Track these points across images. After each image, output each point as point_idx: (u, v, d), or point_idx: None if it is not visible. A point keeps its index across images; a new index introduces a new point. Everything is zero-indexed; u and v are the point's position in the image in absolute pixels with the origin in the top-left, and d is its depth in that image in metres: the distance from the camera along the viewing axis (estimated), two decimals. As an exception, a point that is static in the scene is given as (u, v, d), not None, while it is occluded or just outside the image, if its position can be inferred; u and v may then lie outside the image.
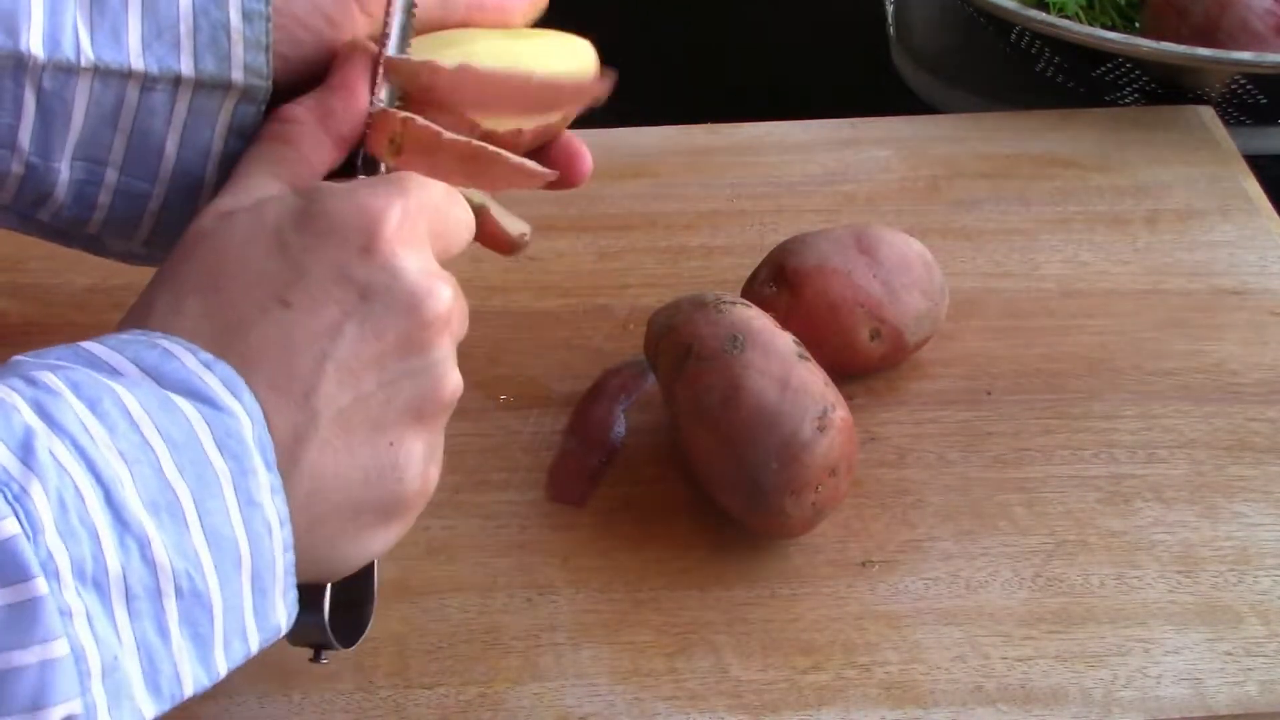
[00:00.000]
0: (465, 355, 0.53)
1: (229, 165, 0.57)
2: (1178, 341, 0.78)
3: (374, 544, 0.52)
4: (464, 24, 0.61)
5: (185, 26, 0.55)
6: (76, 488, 0.42)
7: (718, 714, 0.61)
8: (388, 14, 0.57)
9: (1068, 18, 0.96)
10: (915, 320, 0.73)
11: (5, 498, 0.41)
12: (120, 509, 0.43)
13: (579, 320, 0.79)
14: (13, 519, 0.41)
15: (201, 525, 0.45)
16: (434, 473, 0.53)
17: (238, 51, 0.55)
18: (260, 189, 0.53)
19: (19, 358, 0.47)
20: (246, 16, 0.55)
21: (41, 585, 0.41)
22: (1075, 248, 0.84)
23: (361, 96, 0.56)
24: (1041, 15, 0.94)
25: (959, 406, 0.74)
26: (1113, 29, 0.98)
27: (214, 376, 0.47)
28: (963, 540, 0.67)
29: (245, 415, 0.47)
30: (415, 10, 0.58)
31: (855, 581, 0.66)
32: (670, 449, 0.70)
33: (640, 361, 0.73)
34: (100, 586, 0.42)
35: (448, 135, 0.56)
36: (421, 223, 0.52)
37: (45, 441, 0.42)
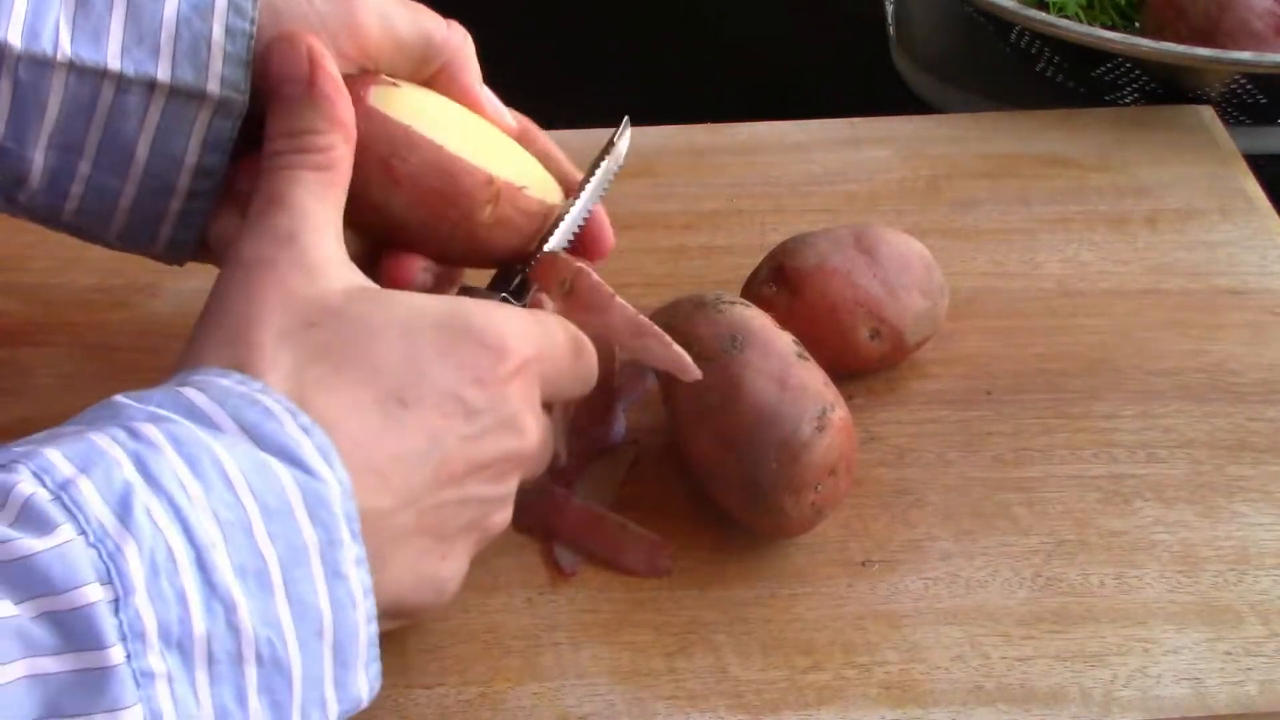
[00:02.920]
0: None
1: (202, 176, 0.58)
2: (1178, 341, 0.78)
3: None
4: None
5: (167, 34, 0.56)
6: (170, 549, 0.43)
7: (717, 714, 0.61)
8: (594, 167, 0.62)
9: (1068, 18, 0.96)
10: (915, 320, 0.73)
11: (99, 555, 0.41)
12: (210, 572, 0.43)
13: (579, 320, 0.79)
14: (97, 586, 0.41)
15: (287, 593, 0.45)
16: (458, 592, 0.55)
17: (216, 64, 0.56)
18: (313, 215, 0.53)
19: (120, 399, 0.47)
20: (229, 32, 0.56)
21: (116, 654, 0.41)
22: (1075, 248, 0.84)
23: (345, 102, 0.56)
24: (1041, 15, 0.94)
25: (959, 406, 0.74)
26: (1113, 29, 0.98)
27: (310, 442, 0.47)
28: (963, 540, 0.67)
29: (336, 484, 0.47)
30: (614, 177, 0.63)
31: (855, 581, 0.66)
32: (670, 449, 0.70)
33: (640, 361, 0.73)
34: (184, 650, 0.43)
35: (619, 300, 0.59)
36: (542, 363, 0.54)
37: (143, 499, 0.43)
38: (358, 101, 0.56)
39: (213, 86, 0.56)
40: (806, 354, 0.66)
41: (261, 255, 0.52)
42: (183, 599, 0.43)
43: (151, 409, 0.46)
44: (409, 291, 0.54)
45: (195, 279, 0.79)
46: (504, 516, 0.55)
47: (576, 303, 0.58)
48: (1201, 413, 0.74)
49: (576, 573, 0.66)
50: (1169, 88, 0.95)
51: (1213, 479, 0.70)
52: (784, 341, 0.66)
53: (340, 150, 0.55)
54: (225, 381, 0.48)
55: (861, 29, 1.11)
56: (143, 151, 0.57)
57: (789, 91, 1.06)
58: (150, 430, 0.45)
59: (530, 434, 0.54)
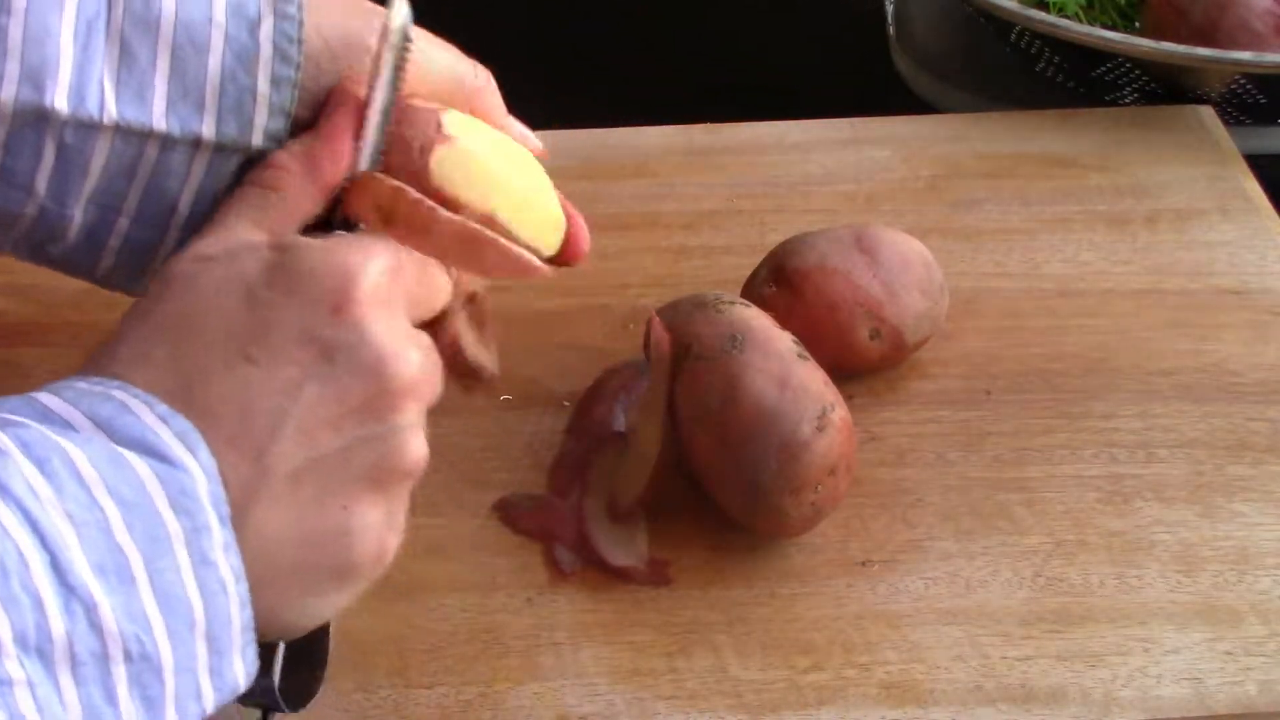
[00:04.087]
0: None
1: None
2: (1178, 341, 0.78)
3: (322, 607, 0.51)
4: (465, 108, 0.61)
5: (211, 89, 0.55)
6: (20, 553, 0.42)
7: (718, 714, 0.61)
8: (376, 62, 0.56)
9: (1068, 18, 0.96)
10: (915, 320, 0.73)
11: None
12: (66, 574, 0.43)
13: (579, 320, 0.79)
14: None
15: (152, 587, 0.44)
16: (392, 541, 0.52)
17: (261, 117, 0.55)
18: (240, 235, 0.52)
19: None
20: (274, 82, 0.55)
21: None
22: (1075, 247, 0.84)
23: (346, 145, 0.55)
24: (1041, 15, 0.94)
25: (959, 406, 0.74)
26: (1113, 29, 0.97)
27: (170, 431, 0.46)
28: (963, 540, 0.67)
29: (200, 471, 0.46)
30: (408, 57, 0.57)
31: (855, 581, 0.66)
32: (670, 449, 0.70)
33: (640, 361, 0.73)
34: (44, 654, 0.42)
35: (443, 215, 0.54)
36: (397, 285, 0.51)
37: None
38: (419, 154, 0.56)
39: (257, 140, 0.55)
40: (806, 354, 0.66)
41: (168, 270, 0.51)
42: (38, 603, 0.42)
43: (3, 415, 0.46)
44: (241, 245, 0.52)
45: (195, 279, 0.80)
46: (415, 450, 0.51)
47: (399, 230, 0.54)
48: (1201, 413, 0.73)
49: (576, 573, 0.66)
50: (1169, 88, 0.95)
51: (1213, 479, 0.70)
52: (784, 341, 0.66)
53: (292, 177, 0.54)
54: (81, 383, 0.48)
55: (861, 29, 1.11)
56: (185, 205, 0.56)
57: (789, 91, 1.06)
58: None
59: (405, 356, 0.50)
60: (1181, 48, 0.90)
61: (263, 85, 0.55)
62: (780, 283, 0.73)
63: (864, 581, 0.66)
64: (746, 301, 0.69)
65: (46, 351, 0.77)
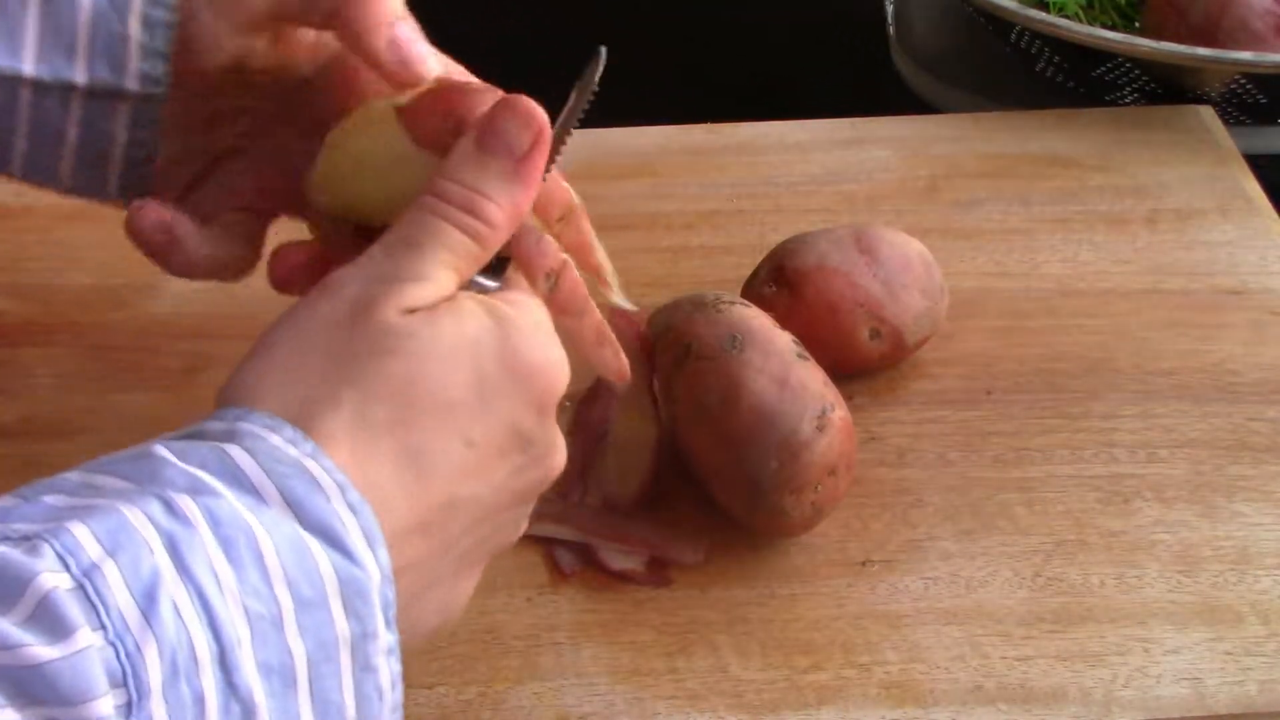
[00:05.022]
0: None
1: (137, 146, 0.57)
2: (1178, 341, 0.78)
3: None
4: None
5: (84, 34, 0.54)
6: (193, 646, 0.41)
7: (718, 714, 0.61)
8: (572, 111, 0.56)
9: (1068, 18, 0.96)
10: (915, 320, 0.73)
11: (117, 655, 0.39)
12: (232, 671, 0.41)
13: (579, 320, 0.78)
14: (108, 698, 0.39)
15: (311, 691, 0.43)
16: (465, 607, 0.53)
17: (134, 62, 0.55)
18: (443, 283, 0.50)
19: (160, 452, 0.44)
20: (147, 25, 0.54)
21: None
22: (1075, 248, 0.84)
23: (535, 193, 0.53)
24: (1041, 15, 0.94)
25: (959, 406, 0.74)
26: (1113, 29, 0.98)
27: (356, 523, 0.45)
28: (963, 540, 0.67)
29: (376, 570, 0.45)
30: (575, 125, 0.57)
31: (855, 581, 0.66)
32: (670, 449, 0.70)
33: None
34: None
35: (593, 305, 0.56)
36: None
37: (170, 590, 0.41)
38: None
39: (131, 84, 0.55)
40: (806, 354, 0.66)
41: (360, 294, 0.49)
42: (200, 701, 0.41)
43: (193, 470, 0.44)
44: (453, 304, 0.50)
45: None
46: (524, 527, 0.53)
47: (557, 302, 0.54)
48: (1201, 413, 0.74)
49: (576, 573, 0.66)
50: (1169, 88, 0.95)
51: (1213, 479, 0.70)
52: (784, 341, 0.66)
53: (499, 235, 0.52)
54: (276, 440, 0.45)
55: (861, 29, 1.11)
56: (72, 134, 0.56)
57: (789, 91, 1.06)
58: (187, 505, 0.42)
59: (563, 451, 0.52)
60: (1181, 48, 0.90)
61: (134, 28, 0.54)
62: (780, 283, 0.73)
63: (864, 581, 0.66)
64: (746, 301, 0.69)
65: (49, 352, 0.77)
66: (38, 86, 0.55)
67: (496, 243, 0.52)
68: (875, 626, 0.64)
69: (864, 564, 0.67)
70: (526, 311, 0.51)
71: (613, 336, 0.57)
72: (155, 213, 0.57)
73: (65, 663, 0.39)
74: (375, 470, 0.46)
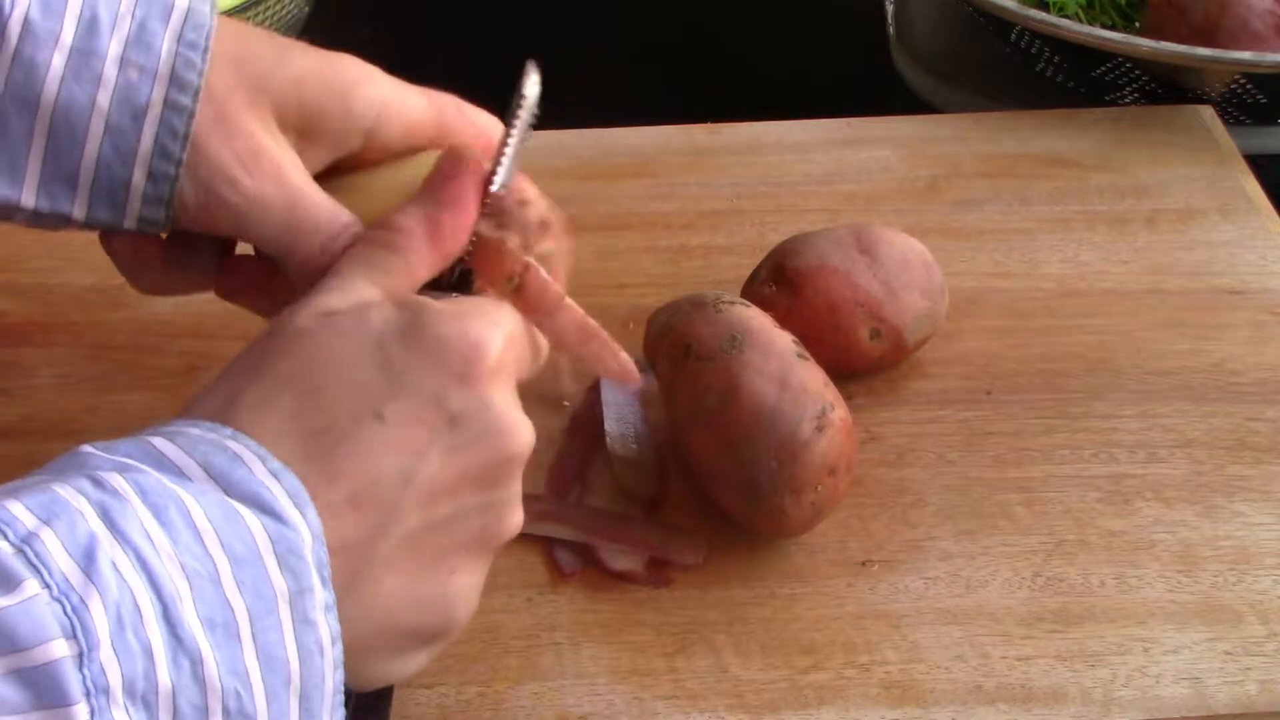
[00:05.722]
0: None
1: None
2: (1178, 341, 0.78)
3: (408, 666, 0.52)
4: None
5: (85, 175, 0.55)
6: (135, 601, 0.42)
7: (717, 714, 0.61)
8: (507, 132, 0.57)
9: (1068, 18, 0.96)
10: (915, 320, 0.73)
11: (64, 609, 0.41)
12: (177, 625, 0.43)
13: (579, 320, 0.78)
14: (62, 641, 0.40)
15: (255, 644, 0.44)
16: (476, 603, 0.53)
17: (134, 206, 0.56)
18: (360, 293, 0.52)
19: (86, 449, 0.46)
20: (152, 177, 0.55)
21: (81, 711, 0.40)
22: (1075, 248, 0.84)
23: (471, 214, 0.55)
24: (1041, 15, 0.94)
25: (959, 406, 0.74)
26: (1113, 29, 0.98)
27: (280, 487, 0.46)
28: (963, 540, 0.67)
29: (307, 530, 0.46)
30: (528, 142, 0.58)
31: (855, 581, 0.66)
32: (670, 449, 0.70)
33: (640, 361, 0.73)
34: (149, 704, 0.42)
35: (569, 301, 0.56)
36: (512, 355, 0.52)
37: (108, 550, 0.42)
38: None
39: (129, 224, 0.56)
40: (806, 354, 0.66)
41: (291, 324, 0.51)
42: (148, 652, 0.42)
43: (119, 459, 0.46)
44: (361, 304, 0.52)
45: (195, 279, 0.80)
46: (515, 519, 0.53)
47: (523, 303, 0.55)
48: (1201, 413, 0.74)
49: (576, 573, 0.66)
50: (1169, 88, 0.95)
51: (1213, 479, 0.70)
52: (784, 341, 0.66)
53: (415, 242, 0.54)
54: (194, 430, 0.47)
55: (861, 29, 1.11)
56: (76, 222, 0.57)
57: (789, 91, 1.06)
58: (116, 480, 0.44)
59: (520, 429, 0.52)
60: (1181, 48, 0.90)
61: (138, 178, 0.55)
62: (780, 283, 0.73)
63: (864, 581, 0.66)
64: (746, 301, 0.69)
65: (49, 352, 0.77)
66: (36, 214, 0.56)
67: (416, 251, 0.54)
68: (875, 626, 0.64)
69: (864, 564, 0.67)
70: (452, 302, 0.52)
71: (607, 336, 0.57)
72: (127, 236, 0.58)
73: (18, 608, 0.40)
74: (289, 450, 0.47)
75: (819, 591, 0.65)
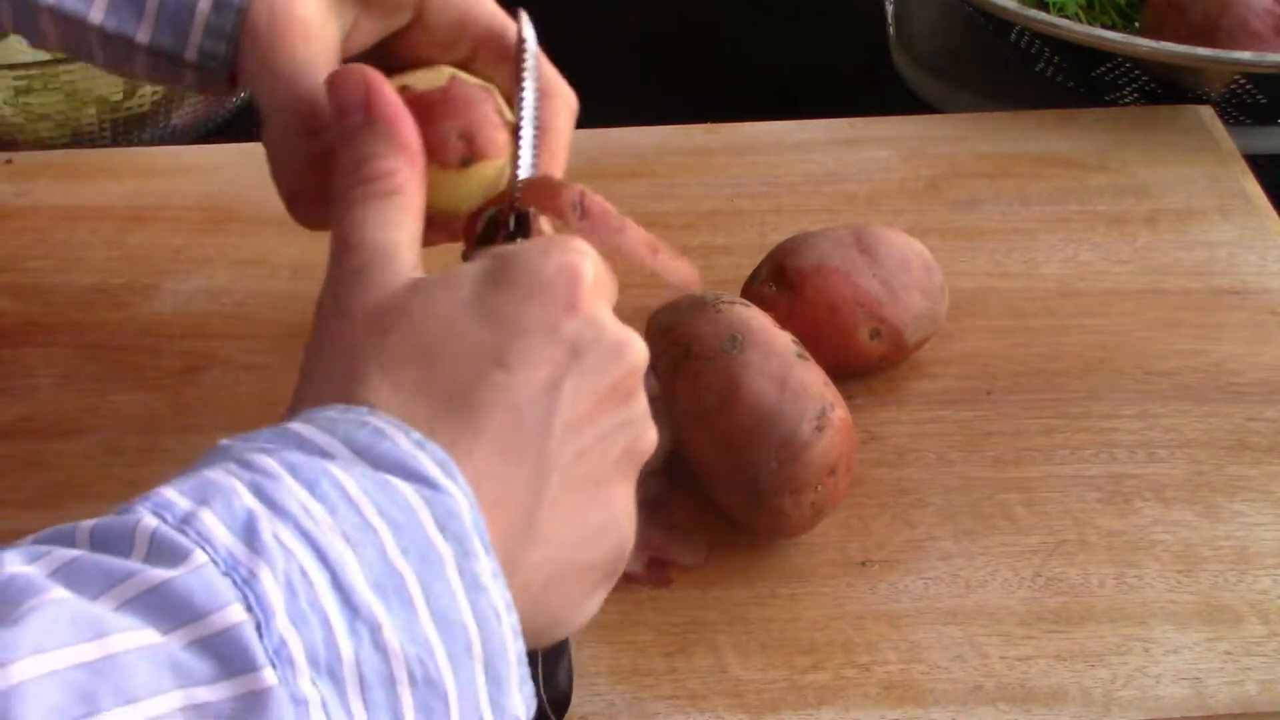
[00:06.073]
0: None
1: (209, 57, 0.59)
2: (1178, 341, 0.78)
3: (592, 604, 0.51)
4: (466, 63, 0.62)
5: (152, 1, 0.57)
6: (304, 570, 0.41)
7: (718, 713, 0.61)
8: (519, 71, 0.58)
9: (1068, 18, 0.96)
10: (915, 320, 0.73)
11: (234, 582, 0.40)
12: (349, 593, 0.41)
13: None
14: (239, 605, 0.39)
15: (430, 609, 0.43)
16: (635, 525, 0.52)
17: (196, 35, 0.57)
18: (406, 256, 0.51)
19: (226, 442, 0.46)
20: (217, 7, 0.57)
21: (270, 676, 0.39)
22: (1075, 247, 0.84)
23: (407, 120, 0.54)
24: (1041, 15, 0.94)
25: (959, 406, 0.74)
26: (1113, 29, 0.98)
27: (427, 457, 0.45)
28: (963, 540, 0.67)
29: (462, 495, 0.45)
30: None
31: (855, 581, 0.66)
32: (670, 449, 0.70)
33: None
34: (335, 675, 0.41)
35: (631, 221, 0.56)
36: (605, 276, 0.52)
37: (268, 525, 0.41)
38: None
39: (190, 55, 0.58)
40: (806, 354, 0.66)
41: (339, 307, 0.50)
42: (325, 621, 0.41)
43: (260, 444, 0.45)
44: (441, 272, 0.51)
45: (195, 279, 0.80)
46: (651, 433, 0.52)
47: (590, 226, 0.55)
48: (1201, 413, 0.74)
49: None
50: (1169, 88, 0.95)
51: (1213, 479, 0.70)
52: (784, 341, 0.66)
53: (405, 173, 0.53)
54: (329, 412, 0.47)
55: (861, 29, 1.11)
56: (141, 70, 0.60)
57: (789, 91, 1.06)
58: (264, 460, 0.43)
59: (636, 340, 0.51)
60: (1181, 48, 0.90)
61: (204, 5, 0.57)
62: (780, 283, 0.73)
63: (864, 581, 0.66)
64: (745, 301, 0.69)
65: (49, 352, 0.77)
66: (102, 34, 0.58)
67: (405, 180, 0.53)
68: (875, 626, 0.64)
69: (864, 564, 0.67)
70: (526, 243, 0.52)
71: (665, 245, 0.58)
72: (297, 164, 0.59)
73: (190, 575, 0.39)
74: (424, 419, 0.47)
75: (819, 591, 0.65)
